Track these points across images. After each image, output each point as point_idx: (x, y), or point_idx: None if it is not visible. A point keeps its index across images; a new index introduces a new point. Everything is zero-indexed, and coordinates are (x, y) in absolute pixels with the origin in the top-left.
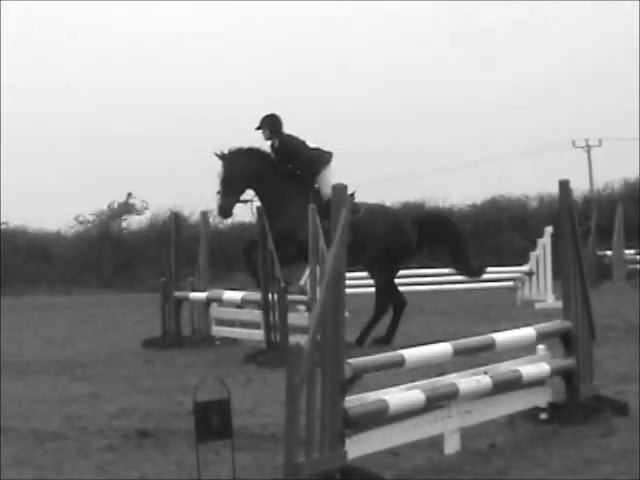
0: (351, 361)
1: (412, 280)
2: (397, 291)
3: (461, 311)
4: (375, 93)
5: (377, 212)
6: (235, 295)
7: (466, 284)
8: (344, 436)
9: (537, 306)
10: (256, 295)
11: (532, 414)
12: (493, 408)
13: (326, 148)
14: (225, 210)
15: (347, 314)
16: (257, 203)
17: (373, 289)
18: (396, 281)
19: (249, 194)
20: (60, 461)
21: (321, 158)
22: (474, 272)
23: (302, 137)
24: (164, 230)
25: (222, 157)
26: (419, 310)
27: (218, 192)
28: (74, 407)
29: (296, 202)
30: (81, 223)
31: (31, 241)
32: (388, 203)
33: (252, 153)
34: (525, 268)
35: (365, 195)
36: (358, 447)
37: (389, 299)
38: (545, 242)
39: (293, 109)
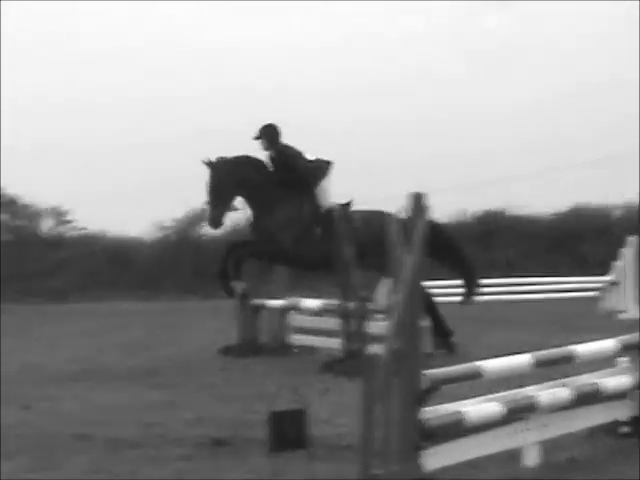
0: (428, 372)
1: (492, 290)
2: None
3: (542, 321)
4: (448, 100)
5: (373, 219)
6: (313, 303)
7: (547, 294)
8: (420, 448)
9: (620, 316)
10: (335, 303)
11: (612, 428)
12: (572, 421)
13: (325, 157)
14: (215, 221)
15: (427, 323)
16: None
17: (454, 298)
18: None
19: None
20: (136, 469)
21: (318, 169)
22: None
23: (299, 148)
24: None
25: (209, 165)
26: (499, 320)
27: (207, 202)
28: (151, 415)
29: (283, 207)
30: (161, 229)
31: (110, 247)
32: (469, 211)
33: (240, 160)
34: (608, 278)
35: (445, 203)
36: (435, 459)
37: None
38: (628, 252)
39: (363, 114)
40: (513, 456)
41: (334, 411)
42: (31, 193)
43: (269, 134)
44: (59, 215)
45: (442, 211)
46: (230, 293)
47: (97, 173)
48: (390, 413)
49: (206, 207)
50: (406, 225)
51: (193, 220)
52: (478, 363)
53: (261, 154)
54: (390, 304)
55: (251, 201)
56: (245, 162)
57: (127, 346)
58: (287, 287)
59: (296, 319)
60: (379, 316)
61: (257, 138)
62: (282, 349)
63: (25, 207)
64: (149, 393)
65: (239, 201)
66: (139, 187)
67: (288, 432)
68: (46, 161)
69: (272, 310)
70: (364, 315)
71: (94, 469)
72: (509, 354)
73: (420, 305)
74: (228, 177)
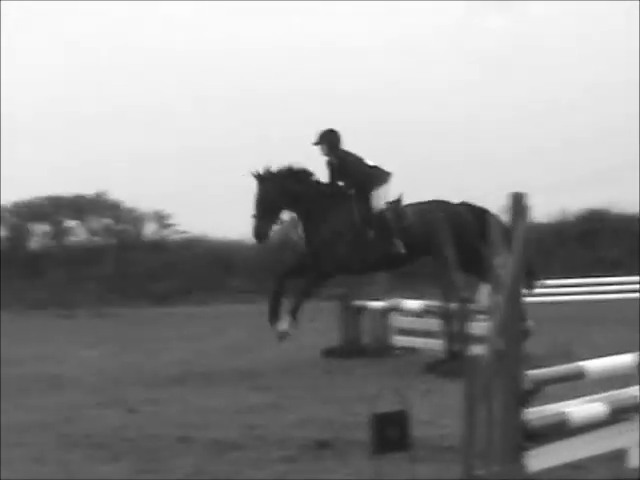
0: (530, 373)
1: (596, 289)
2: None
3: None
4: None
5: (426, 211)
6: (415, 304)
7: None
8: (524, 449)
9: None
10: (436, 304)
11: None
12: None
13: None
14: (260, 234)
15: (532, 323)
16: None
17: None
18: (579, 290)
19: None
20: (239, 471)
21: (377, 176)
22: None
23: (360, 154)
24: None
25: (257, 177)
26: (604, 320)
27: (253, 215)
28: (254, 417)
29: (334, 217)
30: None
31: (212, 250)
32: (572, 210)
33: (287, 173)
34: None
35: (546, 201)
36: (538, 460)
37: None
38: None
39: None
40: (618, 456)
41: (436, 412)
42: (133, 197)
43: (330, 140)
44: (162, 219)
45: (540, 211)
46: (280, 337)
47: (195, 176)
48: (492, 414)
49: (252, 220)
50: (505, 226)
51: (294, 223)
52: (581, 363)
53: (319, 160)
54: (491, 305)
55: (300, 213)
56: (291, 173)
57: (229, 348)
58: (388, 288)
59: (397, 320)
60: (481, 317)
61: (317, 144)
62: (384, 350)
63: (128, 211)
64: (251, 395)
65: (287, 214)
66: (238, 189)
67: (390, 434)
68: (146, 165)
69: (373, 311)
70: (466, 316)
71: (197, 471)
72: (612, 354)
73: (521, 306)
74: (276, 191)
